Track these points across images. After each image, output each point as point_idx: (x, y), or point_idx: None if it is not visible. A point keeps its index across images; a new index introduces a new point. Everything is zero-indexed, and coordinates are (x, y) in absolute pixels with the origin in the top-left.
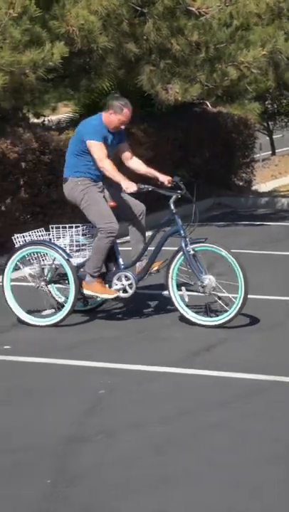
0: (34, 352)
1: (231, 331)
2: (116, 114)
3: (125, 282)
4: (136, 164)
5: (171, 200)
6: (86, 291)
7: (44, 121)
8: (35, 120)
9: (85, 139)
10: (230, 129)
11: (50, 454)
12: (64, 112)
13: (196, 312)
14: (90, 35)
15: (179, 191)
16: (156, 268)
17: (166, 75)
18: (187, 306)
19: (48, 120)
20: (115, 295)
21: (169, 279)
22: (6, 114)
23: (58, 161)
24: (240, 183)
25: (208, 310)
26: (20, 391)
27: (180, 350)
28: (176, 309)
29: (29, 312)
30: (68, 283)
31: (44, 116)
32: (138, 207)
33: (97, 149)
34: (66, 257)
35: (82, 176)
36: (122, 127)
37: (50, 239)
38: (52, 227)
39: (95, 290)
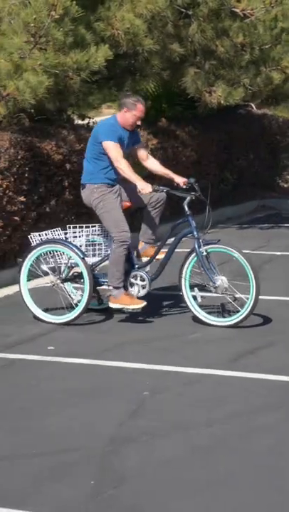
0: (77, 353)
1: (278, 334)
2: (130, 111)
3: (140, 282)
4: (152, 164)
5: (186, 202)
6: (114, 305)
7: (88, 122)
8: (80, 122)
9: (101, 140)
10: (275, 131)
11: (95, 455)
12: (108, 113)
13: (209, 312)
14: (135, 38)
15: (193, 193)
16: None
17: (210, 77)
18: (200, 306)
19: (93, 122)
20: (144, 304)
21: (182, 280)
22: (51, 115)
23: None
24: (285, 185)
25: (221, 310)
26: (65, 392)
27: (224, 352)
28: (241, 314)
29: (45, 310)
30: (83, 282)
31: (88, 117)
32: (158, 194)
33: (114, 149)
34: (81, 256)
35: (99, 183)
36: (139, 123)
37: (66, 238)
38: (69, 227)
39: (123, 303)
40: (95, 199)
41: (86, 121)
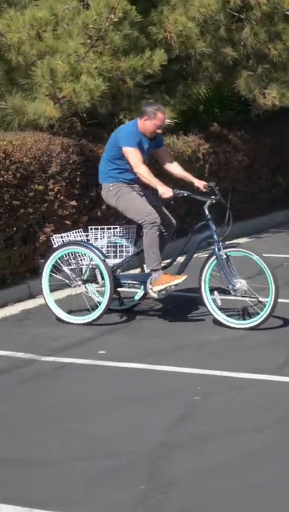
0: (127, 357)
1: None
2: (150, 120)
3: None
4: (174, 168)
5: (206, 206)
6: (158, 287)
7: None
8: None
9: (120, 146)
10: None
11: (145, 460)
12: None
13: (228, 315)
14: (187, 41)
15: (213, 197)
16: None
17: (264, 80)
18: (219, 308)
19: None
20: (185, 277)
21: (202, 283)
22: (103, 119)
23: (154, 166)
24: None
25: (241, 313)
26: (115, 396)
27: (273, 357)
28: (260, 316)
29: (68, 311)
30: (104, 283)
31: None
32: (170, 225)
33: (133, 155)
34: (102, 258)
35: (114, 182)
36: (159, 131)
37: (88, 239)
38: (91, 229)
39: (166, 281)
40: (113, 196)
41: None
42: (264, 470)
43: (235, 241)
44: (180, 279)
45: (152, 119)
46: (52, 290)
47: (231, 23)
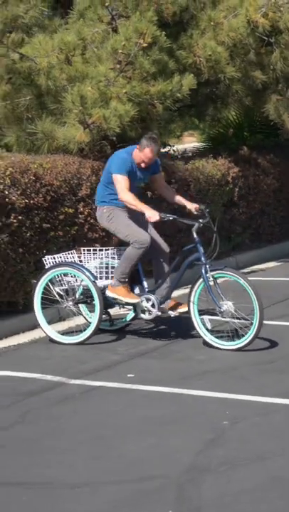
0: (155, 381)
1: None
2: (140, 151)
3: (148, 305)
4: (168, 195)
5: (194, 229)
6: (110, 294)
7: (169, 150)
8: (161, 150)
9: (111, 172)
10: None
11: (173, 484)
12: (189, 141)
13: (216, 336)
14: (217, 65)
15: (201, 220)
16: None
17: None
18: (207, 330)
19: (174, 150)
20: (138, 300)
21: (191, 304)
22: (132, 142)
23: (184, 190)
24: None
25: (231, 334)
26: (144, 420)
27: None
28: (246, 338)
29: (58, 331)
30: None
31: (169, 145)
32: (162, 250)
33: (119, 182)
34: (92, 279)
35: (108, 205)
36: (142, 165)
37: (80, 261)
38: (83, 249)
39: (119, 293)
40: (106, 218)
41: (167, 149)
42: None
43: (264, 265)
44: (134, 299)
45: (141, 151)
46: (52, 322)
47: (260, 46)
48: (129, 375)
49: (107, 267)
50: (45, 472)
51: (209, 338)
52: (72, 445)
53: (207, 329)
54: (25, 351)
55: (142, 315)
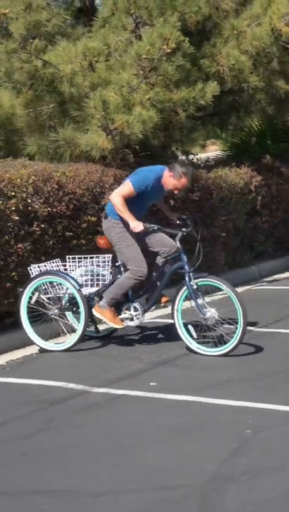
0: (178, 389)
1: None
2: (174, 179)
3: (133, 312)
4: (164, 206)
5: (177, 238)
6: (96, 314)
7: (192, 159)
8: (184, 158)
9: (129, 179)
10: None
11: (196, 492)
12: (212, 149)
13: (199, 343)
14: (240, 74)
15: (184, 229)
16: (164, 302)
17: None
18: (191, 337)
19: (197, 158)
20: (123, 326)
21: (175, 312)
22: (155, 151)
23: (207, 199)
24: None
25: (216, 340)
26: (167, 428)
27: None
28: (231, 343)
29: (45, 339)
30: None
31: (192, 154)
32: (170, 247)
33: (125, 189)
34: (77, 287)
35: (119, 219)
36: (176, 192)
37: (65, 269)
38: (68, 258)
39: (104, 316)
40: (115, 234)
41: (190, 157)
42: None
43: (287, 274)
44: (118, 325)
45: (175, 179)
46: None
47: (284, 55)
48: (152, 384)
49: (92, 275)
50: (67, 480)
51: (194, 345)
52: (96, 453)
53: (192, 336)
54: (49, 359)
55: (129, 322)
